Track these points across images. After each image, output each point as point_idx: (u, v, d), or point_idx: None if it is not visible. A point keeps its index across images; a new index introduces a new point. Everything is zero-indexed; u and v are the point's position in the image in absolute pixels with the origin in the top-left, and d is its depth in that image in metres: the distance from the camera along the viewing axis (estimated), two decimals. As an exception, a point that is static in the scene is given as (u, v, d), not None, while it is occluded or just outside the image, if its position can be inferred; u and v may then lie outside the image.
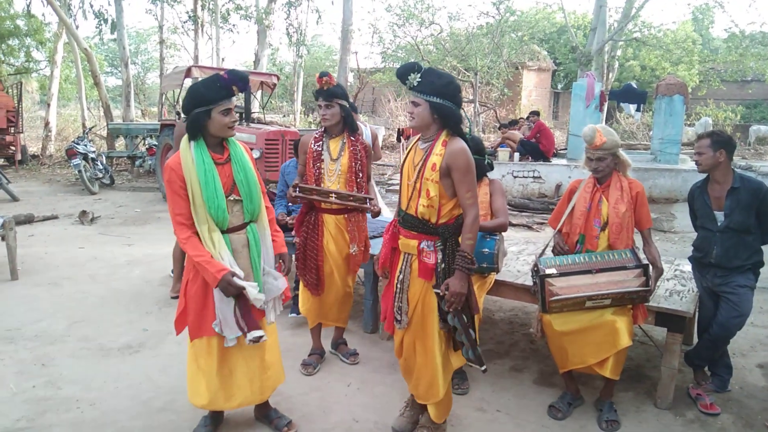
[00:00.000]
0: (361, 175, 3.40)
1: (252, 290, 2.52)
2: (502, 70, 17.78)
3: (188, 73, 9.20)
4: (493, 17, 17.11)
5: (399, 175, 2.80)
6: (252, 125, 9.35)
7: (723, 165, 3.13)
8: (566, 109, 23.37)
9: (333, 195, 3.31)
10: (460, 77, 16.97)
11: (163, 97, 11.85)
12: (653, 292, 2.97)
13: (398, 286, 2.66)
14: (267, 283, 2.67)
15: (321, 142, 3.38)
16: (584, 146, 3.05)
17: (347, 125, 3.39)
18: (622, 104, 14.65)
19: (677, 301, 3.17)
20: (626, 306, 2.93)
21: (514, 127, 12.31)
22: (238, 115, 8.63)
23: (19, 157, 13.98)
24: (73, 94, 21.77)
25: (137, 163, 12.57)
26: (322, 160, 3.36)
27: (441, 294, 2.49)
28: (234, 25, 19.52)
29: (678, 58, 18.74)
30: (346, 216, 3.42)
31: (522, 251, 4.31)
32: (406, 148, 2.74)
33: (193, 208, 2.47)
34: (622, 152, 3.04)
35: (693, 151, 3.56)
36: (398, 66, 4.28)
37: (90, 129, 12.96)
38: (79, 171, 10.46)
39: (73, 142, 11.18)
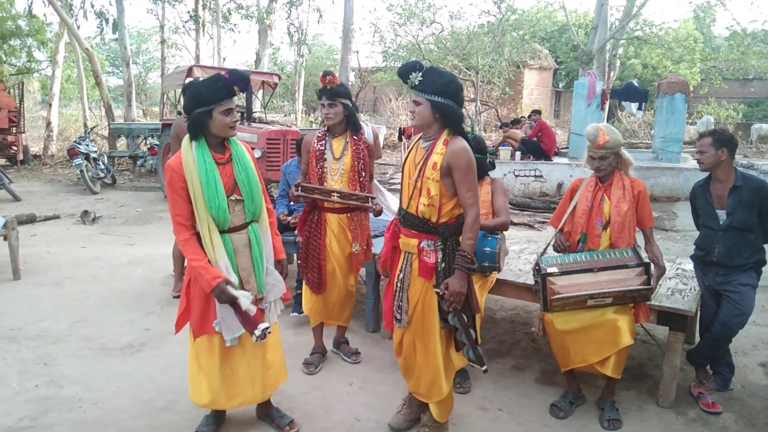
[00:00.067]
0: (364, 174, 3.40)
1: (245, 300, 2.49)
2: (503, 69, 17.80)
3: (190, 72, 9.19)
4: (495, 16, 17.14)
5: (400, 174, 2.80)
6: (253, 125, 9.35)
7: (725, 163, 3.12)
8: (567, 108, 23.39)
9: (335, 194, 3.31)
10: (461, 76, 16.97)
11: (165, 96, 11.84)
12: (655, 290, 2.96)
13: (398, 284, 2.67)
14: (268, 283, 2.67)
15: (324, 141, 3.38)
16: (586, 145, 3.04)
17: (350, 124, 3.39)
18: (623, 103, 14.61)
19: (679, 299, 3.16)
20: (628, 305, 2.92)
21: (515, 126, 12.30)
22: (239, 114, 8.63)
23: (20, 157, 14.00)
24: (75, 94, 21.83)
25: (139, 162, 12.58)
26: (325, 159, 3.35)
27: (440, 293, 2.49)
28: (235, 25, 19.53)
29: (679, 56, 18.74)
30: (348, 215, 3.42)
31: (523, 250, 4.31)
32: (408, 147, 2.74)
33: (195, 208, 2.47)
34: (624, 151, 3.03)
35: (695, 149, 3.56)
36: (399, 65, 4.29)
37: (92, 129, 12.97)
38: (81, 171, 10.48)
39: (75, 141, 11.19)
